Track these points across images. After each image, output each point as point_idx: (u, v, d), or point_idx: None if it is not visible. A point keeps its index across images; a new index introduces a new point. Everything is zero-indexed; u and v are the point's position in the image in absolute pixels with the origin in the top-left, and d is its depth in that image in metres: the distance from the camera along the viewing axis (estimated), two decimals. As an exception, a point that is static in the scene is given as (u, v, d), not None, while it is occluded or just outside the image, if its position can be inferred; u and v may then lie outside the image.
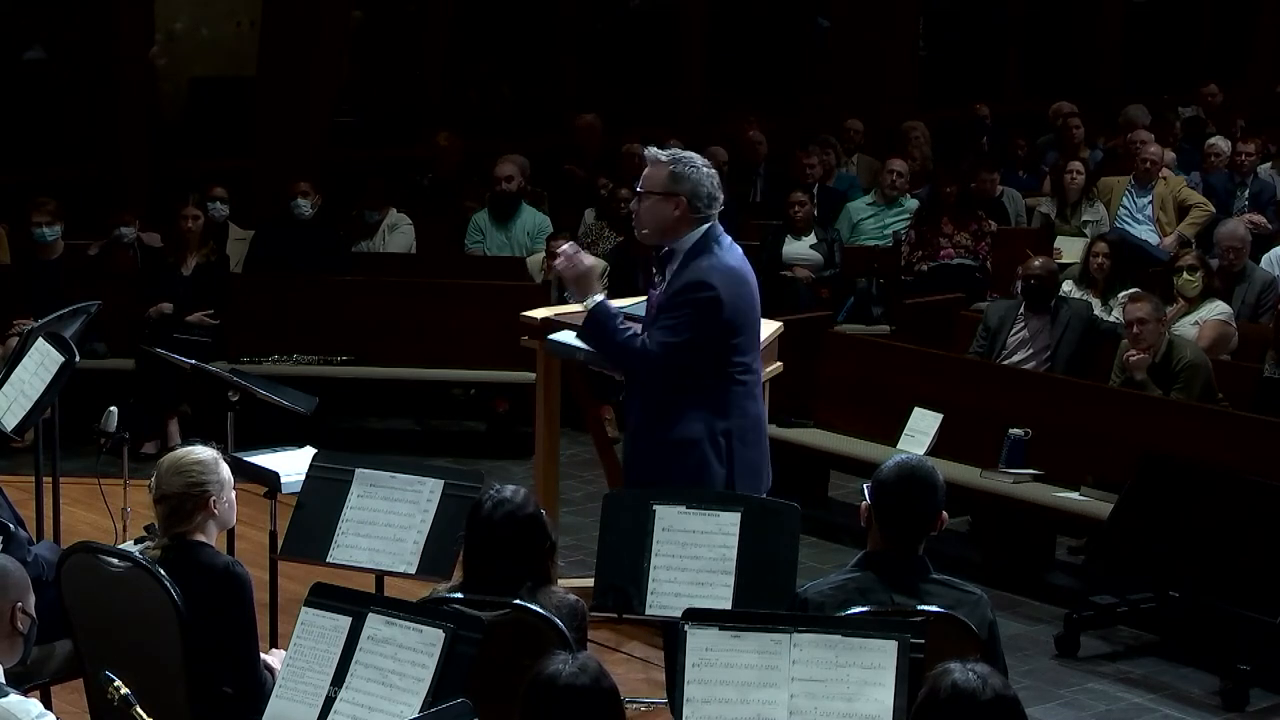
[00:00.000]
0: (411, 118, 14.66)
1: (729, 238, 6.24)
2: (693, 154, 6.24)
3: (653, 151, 6.25)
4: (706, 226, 6.14)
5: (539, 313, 7.31)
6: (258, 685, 5.03)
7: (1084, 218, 12.28)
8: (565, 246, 6.35)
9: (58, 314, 7.83)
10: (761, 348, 6.94)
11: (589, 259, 6.28)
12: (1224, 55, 18.75)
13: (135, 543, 5.67)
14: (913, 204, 12.41)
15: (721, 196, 6.21)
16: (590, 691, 3.85)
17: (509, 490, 4.96)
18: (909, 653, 4.29)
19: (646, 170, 6.20)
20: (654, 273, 6.38)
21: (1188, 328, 9.36)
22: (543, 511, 4.97)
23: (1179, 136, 14.34)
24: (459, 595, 4.83)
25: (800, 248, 11.85)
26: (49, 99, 13.40)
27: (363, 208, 11.69)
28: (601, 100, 14.44)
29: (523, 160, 12.57)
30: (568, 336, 6.61)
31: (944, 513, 4.84)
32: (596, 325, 6.19)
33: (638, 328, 6.22)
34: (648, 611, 5.45)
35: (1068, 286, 10.02)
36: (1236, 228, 10.64)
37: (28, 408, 7.21)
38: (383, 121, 14.73)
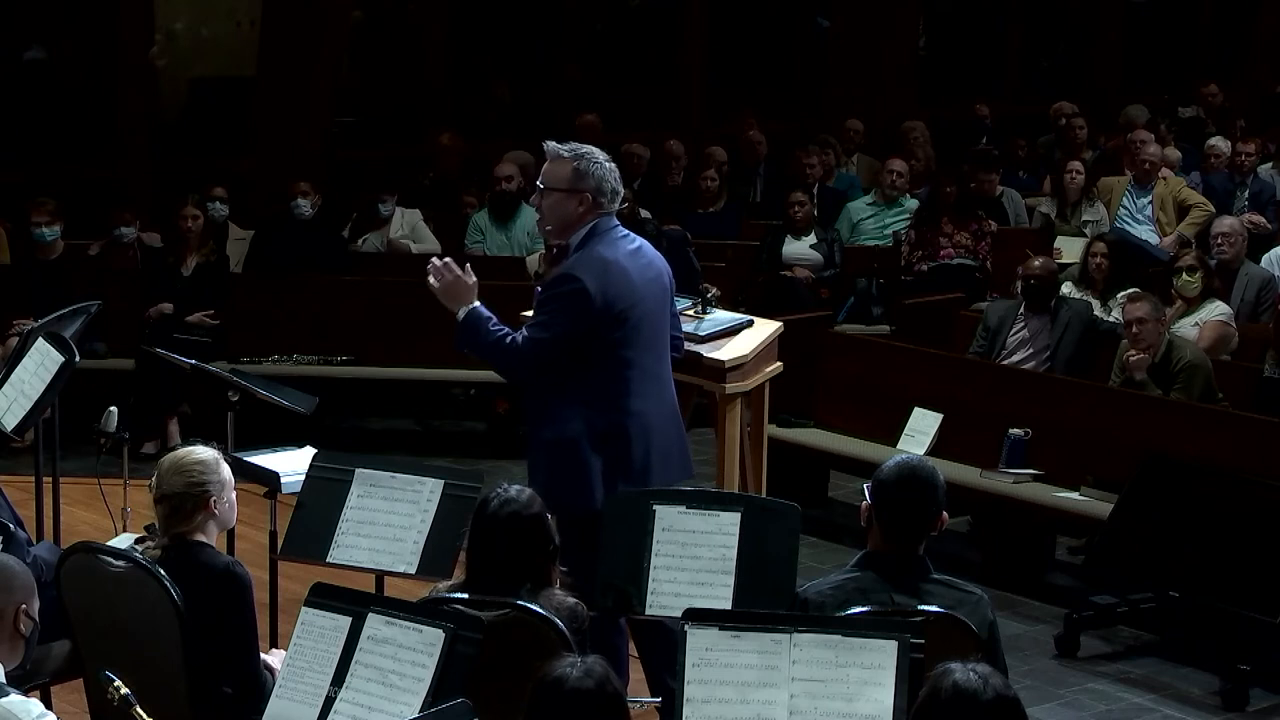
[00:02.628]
0: (412, 118, 14.66)
1: (622, 230, 6.10)
2: (593, 148, 6.13)
3: (553, 146, 6.12)
4: (594, 221, 6.03)
5: (539, 313, 7.29)
6: (258, 685, 5.03)
7: (1084, 218, 12.28)
8: (437, 260, 6.18)
9: (58, 314, 7.83)
10: (762, 347, 6.95)
11: (457, 270, 6.13)
12: (1224, 55, 18.75)
13: (136, 542, 5.67)
14: (913, 204, 12.41)
15: (622, 191, 6.14)
16: (596, 695, 3.85)
17: (515, 489, 4.96)
18: (909, 653, 4.29)
19: (547, 166, 6.09)
20: None
21: (1188, 329, 9.36)
22: (548, 515, 4.98)
23: (1167, 140, 14.30)
24: (459, 595, 4.83)
25: (800, 248, 11.86)
26: (49, 99, 13.40)
27: (374, 199, 11.66)
28: (601, 100, 14.44)
29: (526, 158, 12.57)
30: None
31: (944, 513, 4.84)
32: (469, 331, 6.06)
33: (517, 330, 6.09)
34: (648, 611, 5.45)
35: (1067, 287, 10.01)
36: (1232, 221, 10.67)
37: (28, 408, 7.21)
38: (383, 121, 14.73)
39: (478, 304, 6.11)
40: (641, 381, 6.05)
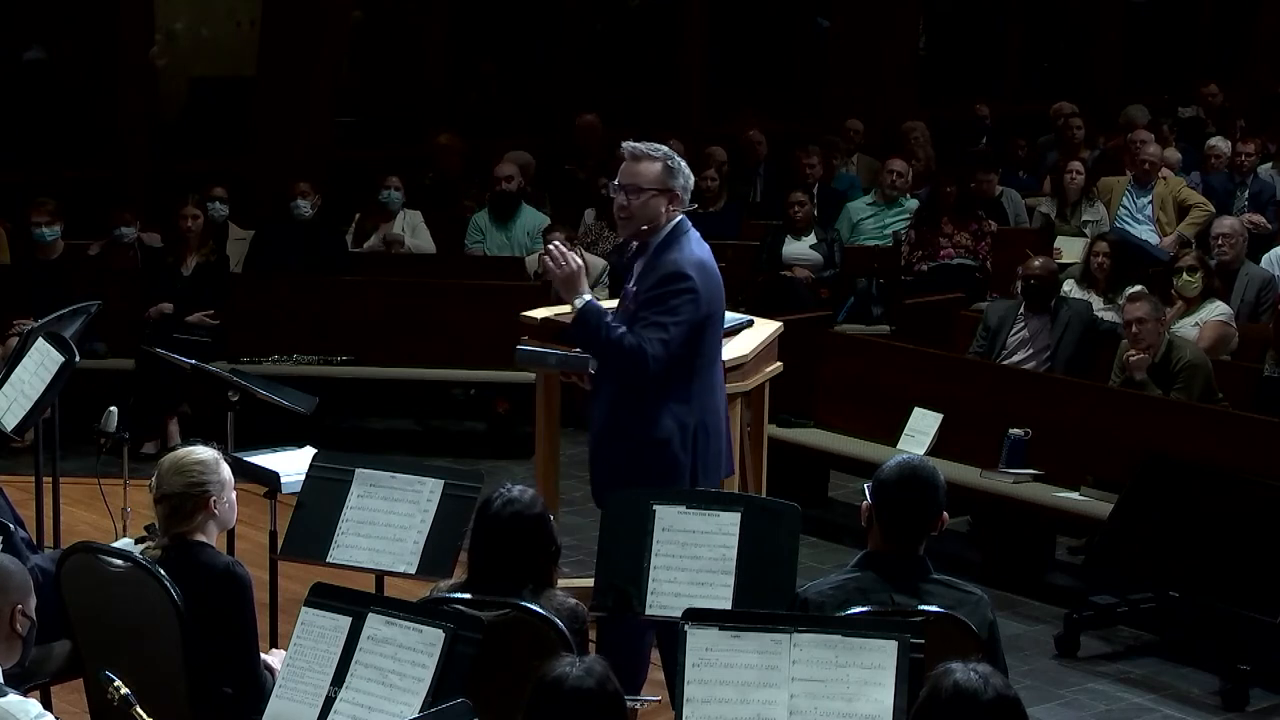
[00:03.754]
0: (412, 118, 14.66)
1: (695, 230, 6.18)
2: (665, 146, 6.22)
3: (636, 147, 6.15)
4: (677, 219, 6.11)
5: (539, 313, 7.30)
6: (258, 685, 5.03)
7: (1084, 218, 12.28)
8: (553, 245, 6.22)
9: (58, 314, 7.83)
10: (762, 347, 6.96)
11: (577, 258, 6.13)
12: (1224, 55, 18.75)
13: (136, 542, 5.67)
14: (913, 204, 12.42)
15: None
16: (595, 694, 3.85)
17: (517, 490, 4.96)
18: (909, 653, 4.29)
19: (636, 166, 6.11)
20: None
21: (1188, 329, 9.36)
22: (550, 516, 4.98)
23: (1167, 140, 14.32)
24: (459, 595, 4.83)
25: (800, 248, 11.86)
26: (49, 99, 13.40)
27: (381, 187, 11.65)
28: (601, 100, 14.44)
29: (526, 158, 12.57)
30: (533, 345, 6.57)
31: (944, 513, 4.84)
32: (590, 322, 6.03)
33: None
34: (648, 611, 5.44)
35: (1068, 285, 10.03)
36: (1232, 221, 10.68)
37: (28, 408, 7.21)
38: (383, 121, 14.73)
39: (590, 296, 6.10)
40: (716, 378, 6.20)
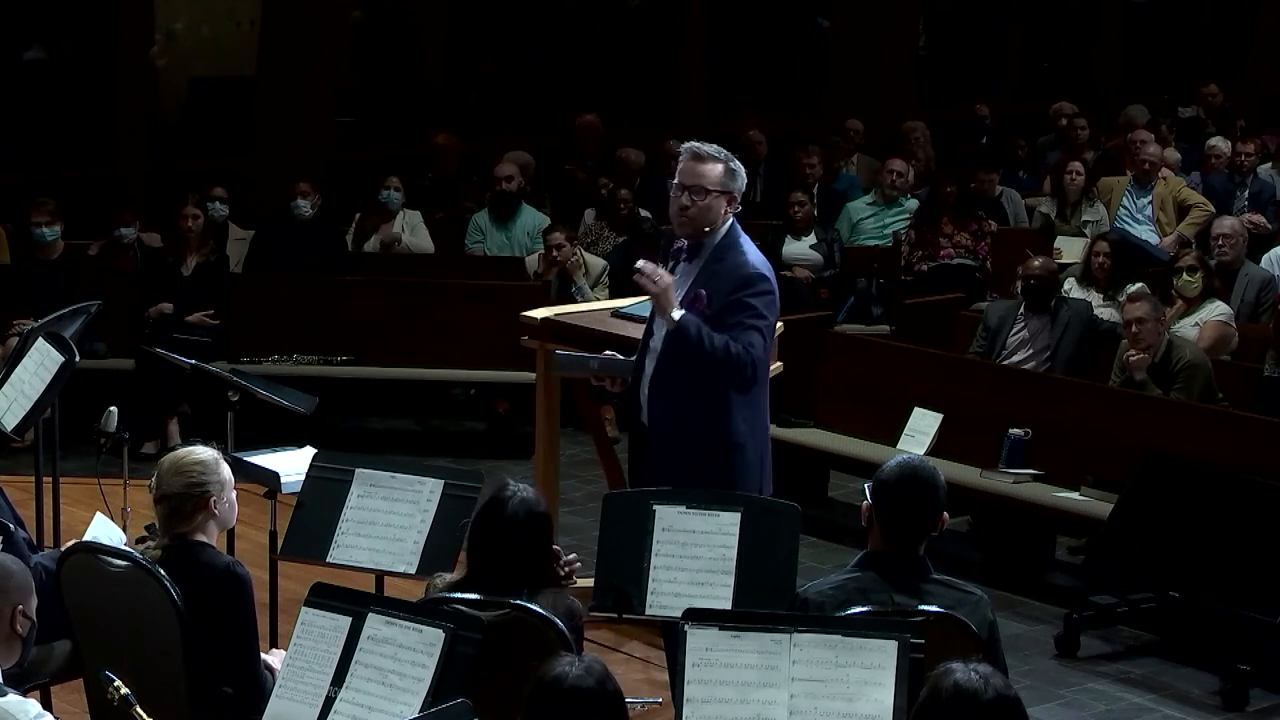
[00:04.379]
0: (412, 118, 14.66)
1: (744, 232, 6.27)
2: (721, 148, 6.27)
3: (699, 147, 6.18)
4: (732, 220, 6.17)
5: (539, 313, 7.31)
6: (258, 685, 5.03)
7: (1084, 218, 12.29)
8: (642, 264, 6.11)
9: (58, 314, 7.84)
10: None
11: (666, 274, 6.07)
12: (1224, 55, 18.75)
13: (136, 542, 5.68)
14: (913, 204, 12.42)
15: None
16: (595, 694, 3.85)
17: (523, 488, 4.96)
18: (909, 653, 4.30)
19: (700, 166, 6.13)
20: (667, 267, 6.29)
21: (1188, 329, 9.37)
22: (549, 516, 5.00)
23: (1167, 140, 14.31)
24: (459, 595, 4.83)
25: (800, 248, 11.86)
26: (49, 99, 13.39)
27: (381, 187, 11.64)
28: (601, 100, 14.44)
29: (526, 158, 12.56)
30: (568, 350, 6.56)
31: (945, 513, 4.84)
32: (687, 338, 5.98)
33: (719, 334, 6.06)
34: (648, 611, 5.45)
35: (1069, 285, 10.03)
36: (1232, 221, 10.68)
37: (28, 408, 7.21)
38: (383, 121, 14.73)
39: (683, 310, 6.07)
40: (769, 379, 6.21)
